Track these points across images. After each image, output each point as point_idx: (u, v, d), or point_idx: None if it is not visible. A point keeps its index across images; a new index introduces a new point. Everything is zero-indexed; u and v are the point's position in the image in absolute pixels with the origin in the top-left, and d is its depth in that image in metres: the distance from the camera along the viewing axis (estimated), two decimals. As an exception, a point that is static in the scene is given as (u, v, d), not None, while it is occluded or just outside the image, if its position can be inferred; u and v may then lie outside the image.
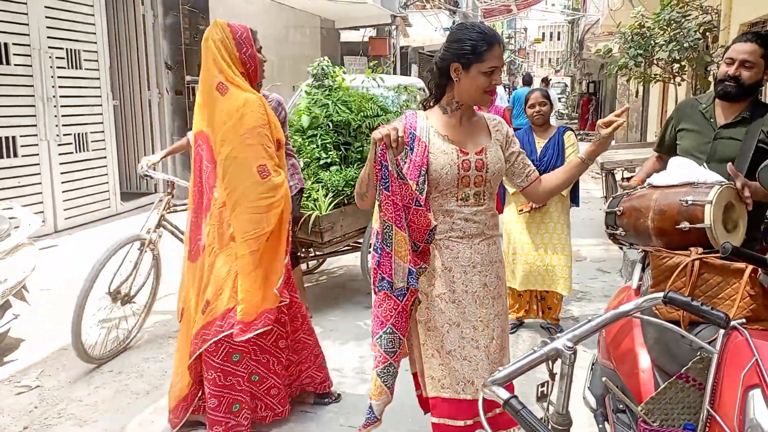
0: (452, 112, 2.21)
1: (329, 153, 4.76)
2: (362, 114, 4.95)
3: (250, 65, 2.91)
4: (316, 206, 4.44)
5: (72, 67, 7.13)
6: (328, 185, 4.55)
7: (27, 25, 6.46)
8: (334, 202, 4.51)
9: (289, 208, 2.96)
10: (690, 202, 2.11)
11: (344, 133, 4.90)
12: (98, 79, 7.56)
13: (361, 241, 5.00)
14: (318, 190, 4.51)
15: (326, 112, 4.86)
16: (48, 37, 6.73)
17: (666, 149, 2.90)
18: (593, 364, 2.53)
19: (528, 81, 12.29)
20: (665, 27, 6.62)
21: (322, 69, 5.02)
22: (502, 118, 5.08)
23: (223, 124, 2.80)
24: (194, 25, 9.06)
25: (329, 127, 4.83)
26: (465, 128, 2.22)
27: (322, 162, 4.72)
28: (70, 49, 7.09)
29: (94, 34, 7.46)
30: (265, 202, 2.83)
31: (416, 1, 17.37)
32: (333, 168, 4.71)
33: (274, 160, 2.90)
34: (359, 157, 4.93)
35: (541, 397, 1.31)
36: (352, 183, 4.54)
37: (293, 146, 4.53)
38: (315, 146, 4.78)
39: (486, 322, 2.20)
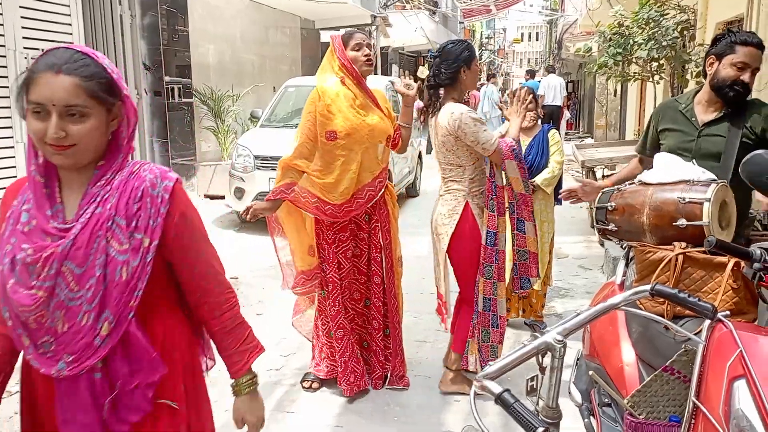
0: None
1: None
2: None
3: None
4: None
5: (48, 68, 7.01)
6: None
7: (2, 25, 6.34)
8: None
9: None
10: (687, 200, 2.13)
11: None
12: (76, 79, 7.45)
13: None
14: None
15: None
16: (23, 38, 6.61)
17: (649, 151, 2.90)
18: (578, 360, 2.55)
19: (531, 75, 15.41)
20: (644, 26, 6.70)
21: None
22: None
23: None
24: (172, 25, 8.95)
25: None
26: None
27: None
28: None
29: (71, 34, 7.34)
30: None
31: (396, 2, 17.36)
32: None
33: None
34: None
35: (531, 391, 1.31)
36: None
37: None
38: None
39: None
